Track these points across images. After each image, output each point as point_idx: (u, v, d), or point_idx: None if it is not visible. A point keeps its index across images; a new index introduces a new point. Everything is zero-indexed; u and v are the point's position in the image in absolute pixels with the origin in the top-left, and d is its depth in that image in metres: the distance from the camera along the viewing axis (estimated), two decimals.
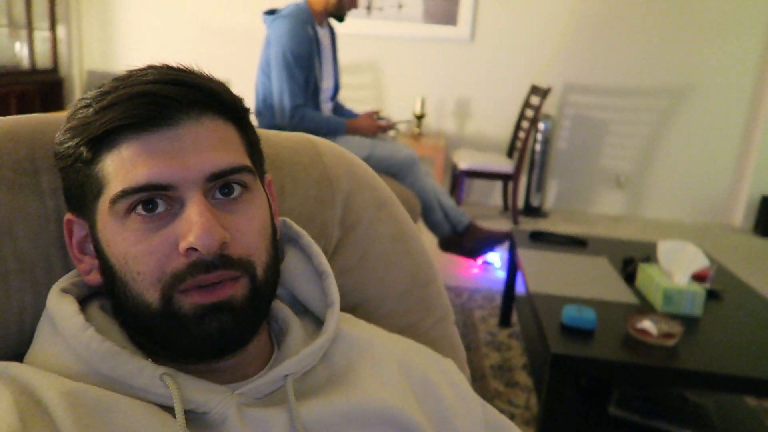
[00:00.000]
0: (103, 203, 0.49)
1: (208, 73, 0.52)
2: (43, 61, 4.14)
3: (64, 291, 0.51)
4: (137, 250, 0.47)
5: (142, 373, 0.47)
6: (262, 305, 0.52)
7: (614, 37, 3.96)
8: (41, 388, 0.44)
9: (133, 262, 0.47)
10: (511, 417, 1.77)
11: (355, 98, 3.98)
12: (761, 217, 3.92)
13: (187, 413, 0.47)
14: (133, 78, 0.49)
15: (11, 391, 0.44)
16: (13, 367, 0.47)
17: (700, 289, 1.60)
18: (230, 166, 0.49)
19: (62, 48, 4.29)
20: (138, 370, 0.47)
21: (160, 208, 0.47)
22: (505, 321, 2.34)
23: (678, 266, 1.66)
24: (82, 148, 0.49)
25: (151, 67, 0.50)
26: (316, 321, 0.60)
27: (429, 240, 2.78)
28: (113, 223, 0.48)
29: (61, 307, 0.49)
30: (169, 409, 0.47)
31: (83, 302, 0.52)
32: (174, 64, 0.51)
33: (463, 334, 2.25)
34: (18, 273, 0.53)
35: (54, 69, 4.19)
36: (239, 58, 3.83)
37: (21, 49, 4.02)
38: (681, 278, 1.63)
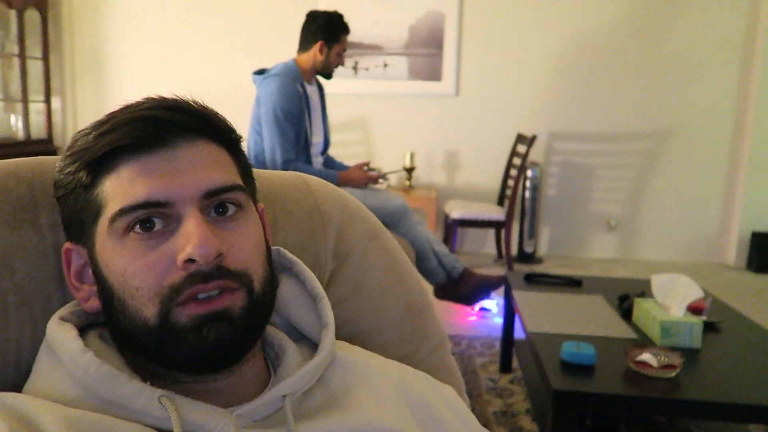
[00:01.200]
0: (102, 224, 0.50)
1: (202, 102, 0.55)
2: (38, 132, 4.22)
3: (63, 319, 0.52)
4: (135, 267, 0.48)
5: (141, 396, 0.47)
6: (259, 318, 0.52)
7: (595, 85, 4.09)
8: (39, 416, 0.44)
9: (131, 279, 0.48)
10: None
11: (346, 154, 4.05)
12: (753, 253, 3.95)
13: None
14: (130, 107, 0.52)
15: (7, 420, 0.44)
16: (9, 397, 0.47)
17: (697, 321, 1.60)
18: (225, 185, 0.51)
19: (57, 119, 4.38)
20: (136, 392, 0.47)
21: (158, 227, 0.49)
22: (505, 367, 2.31)
23: (673, 299, 1.66)
24: (81, 173, 0.51)
25: (147, 98, 0.53)
26: (311, 346, 0.61)
27: (425, 283, 2.77)
28: (112, 243, 0.49)
29: (60, 334, 0.50)
30: None
31: (81, 332, 0.53)
32: (170, 95, 0.54)
33: (464, 382, 2.21)
34: (16, 306, 0.54)
35: (49, 140, 4.27)
36: (233, 120, 3.91)
37: (16, 122, 4.11)
38: (677, 311, 1.63)
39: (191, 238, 0.47)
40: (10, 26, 4.03)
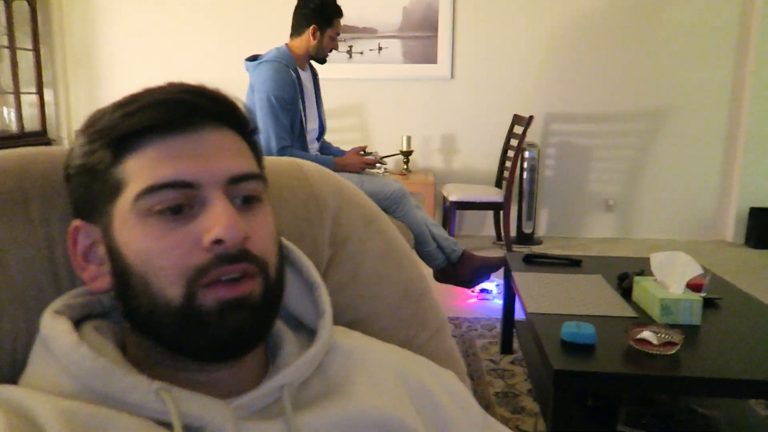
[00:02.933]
0: (122, 203, 0.50)
1: (225, 92, 0.55)
2: (32, 124, 4.19)
3: (58, 312, 0.51)
4: (160, 246, 0.48)
5: (137, 389, 0.47)
6: (274, 306, 0.53)
7: (590, 65, 4.06)
8: (35, 408, 0.44)
9: (156, 258, 0.48)
10: None
11: (342, 140, 4.01)
12: (751, 229, 3.95)
13: (184, 428, 0.47)
14: (156, 90, 0.52)
15: (4, 413, 0.43)
16: (5, 389, 0.46)
17: (696, 298, 1.60)
18: (250, 172, 0.52)
19: (50, 111, 4.35)
20: (133, 385, 0.47)
21: (185, 210, 0.49)
22: (506, 348, 2.32)
23: (672, 277, 1.66)
24: (104, 151, 0.51)
25: (170, 83, 0.53)
26: (309, 334, 0.60)
27: (424, 268, 2.77)
28: (134, 221, 0.49)
29: (54, 328, 0.50)
30: (165, 425, 0.47)
31: (77, 324, 0.52)
32: (194, 82, 0.54)
33: (466, 364, 2.22)
34: (10, 301, 0.54)
35: (43, 132, 4.24)
36: None
37: (9, 114, 4.07)
38: (676, 288, 1.63)
39: (220, 220, 0.48)
40: None
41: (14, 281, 0.54)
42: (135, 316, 0.50)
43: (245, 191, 0.52)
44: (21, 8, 4.03)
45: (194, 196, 0.49)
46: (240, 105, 0.56)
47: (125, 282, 0.50)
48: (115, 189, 0.50)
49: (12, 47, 3.95)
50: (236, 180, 0.51)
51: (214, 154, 0.50)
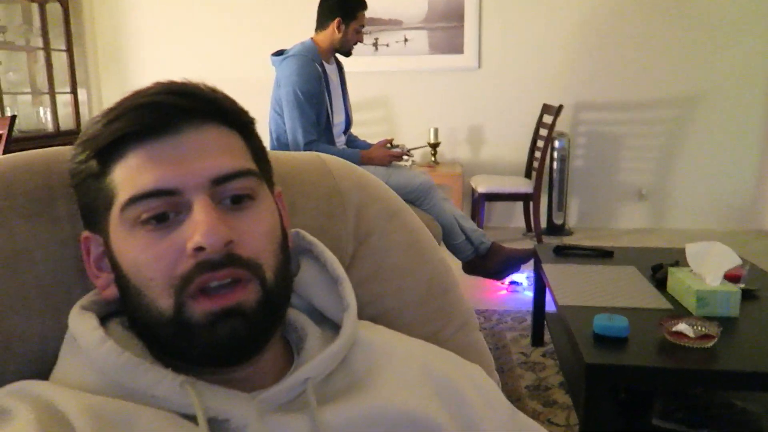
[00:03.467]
0: (114, 213, 0.50)
1: (212, 86, 0.53)
2: (66, 123, 4.29)
3: (84, 308, 0.52)
4: (147, 257, 0.48)
5: (162, 383, 0.47)
6: (274, 310, 0.51)
7: (620, 51, 3.97)
8: (62, 403, 0.45)
9: (144, 269, 0.48)
10: None
11: (369, 134, 4.01)
12: None
13: (208, 421, 0.47)
14: (139, 93, 0.51)
15: (34, 408, 0.44)
16: (35, 385, 0.47)
17: (734, 289, 1.55)
18: (235, 170, 0.50)
19: (84, 110, 4.45)
20: (158, 379, 0.47)
21: (170, 218, 0.48)
22: (537, 340, 2.29)
23: (709, 267, 1.61)
24: (92, 161, 0.51)
25: (156, 83, 0.52)
26: (334, 328, 0.60)
27: (453, 264, 2.76)
28: (123, 232, 0.49)
29: (80, 323, 0.50)
30: (190, 418, 0.47)
31: (104, 320, 0.53)
32: (179, 79, 0.53)
33: (496, 357, 2.20)
34: (38, 298, 0.54)
35: (77, 130, 4.33)
36: (255, 108, 3.91)
37: (45, 114, 4.18)
38: (713, 279, 1.59)
39: (199, 226, 0.46)
40: (33, 19, 4.08)
41: (42, 279, 0.55)
42: (137, 324, 0.51)
43: (233, 191, 0.50)
44: (54, 10, 4.12)
45: (178, 202, 0.48)
46: (226, 99, 0.53)
47: (125, 292, 0.50)
48: (108, 199, 0.50)
49: (47, 49, 4.05)
50: (221, 180, 0.49)
51: (195, 157, 0.49)
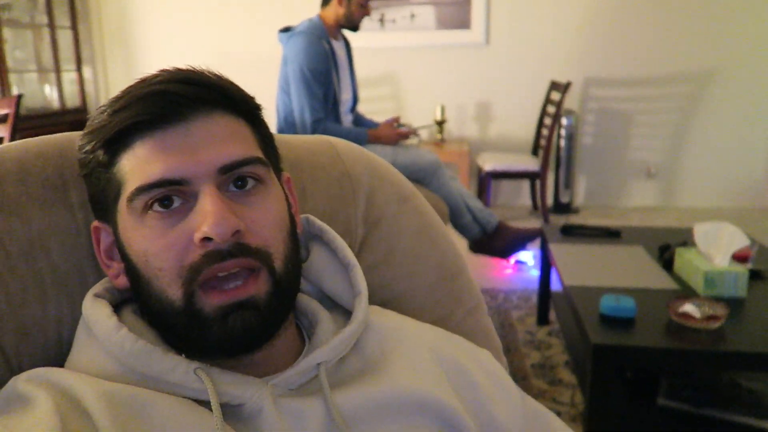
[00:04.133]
0: (122, 203, 0.50)
1: (218, 73, 0.53)
2: (72, 101, 4.28)
3: (98, 296, 0.53)
4: (156, 247, 0.48)
5: (176, 369, 0.48)
6: (285, 299, 0.51)
7: (631, 27, 3.90)
8: (79, 390, 0.45)
9: (153, 259, 0.48)
10: (557, 415, 1.72)
11: (375, 110, 4.00)
12: None
13: (223, 406, 0.48)
14: (145, 81, 0.51)
15: (52, 395, 0.45)
16: (52, 372, 0.48)
17: (742, 270, 1.55)
18: (242, 158, 0.50)
19: (89, 88, 4.44)
20: (172, 366, 0.48)
21: (176, 204, 0.48)
22: (543, 319, 2.31)
23: (717, 248, 1.61)
24: (99, 152, 0.51)
25: (162, 71, 0.52)
26: (345, 314, 0.60)
27: (459, 244, 2.76)
28: (132, 222, 0.49)
29: (94, 311, 0.51)
30: (205, 403, 0.48)
31: (117, 307, 0.53)
32: (184, 66, 0.53)
33: (502, 336, 2.22)
34: (54, 285, 0.55)
35: (83, 108, 4.33)
36: (261, 84, 3.89)
37: (51, 92, 4.17)
38: (721, 260, 1.58)
39: (207, 216, 0.46)
40: None
41: (57, 266, 0.55)
42: (149, 313, 0.51)
43: (241, 174, 0.50)
44: None
45: (186, 191, 0.48)
46: (233, 86, 0.53)
47: (135, 282, 0.51)
48: (116, 190, 0.50)
49: (52, 26, 4.03)
50: (228, 169, 0.49)
51: (202, 145, 0.49)
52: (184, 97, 0.49)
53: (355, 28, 2.60)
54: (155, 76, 0.51)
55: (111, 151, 0.50)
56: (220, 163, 0.49)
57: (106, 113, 0.50)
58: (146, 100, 0.48)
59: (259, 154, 0.53)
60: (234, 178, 0.50)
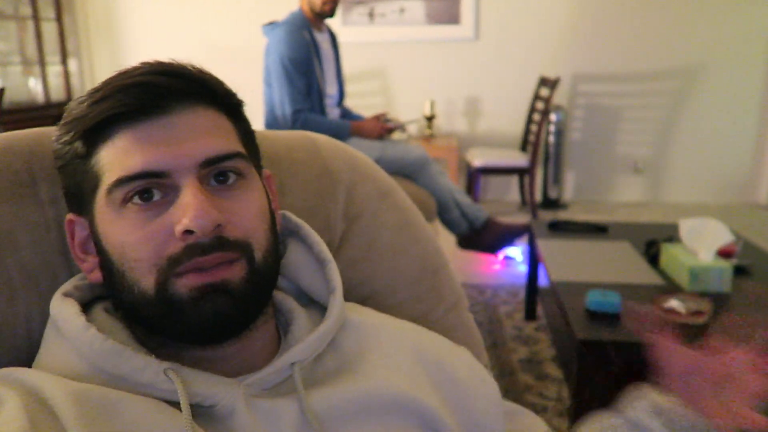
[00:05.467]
0: (100, 195, 0.49)
1: (200, 67, 0.52)
2: (57, 94, 4.23)
3: (66, 295, 0.52)
4: (134, 238, 0.47)
5: (146, 369, 0.47)
6: (261, 288, 0.51)
7: (619, 23, 3.91)
8: (48, 390, 0.44)
9: (130, 250, 0.47)
10: (544, 409, 1.74)
11: (364, 105, 3.99)
12: None
13: (194, 407, 0.47)
14: (126, 73, 0.50)
15: (19, 394, 0.44)
16: (19, 371, 0.47)
17: (726, 265, 1.55)
18: (224, 152, 0.49)
19: (75, 81, 4.38)
20: (142, 366, 0.47)
21: (156, 197, 0.48)
22: (530, 314, 2.31)
23: (702, 243, 1.62)
24: (77, 143, 0.50)
25: (144, 63, 0.51)
26: (322, 310, 0.60)
27: (447, 239, 2.76)
28: (110, 214, 0.48)
29: (62, 310, 0.50)
30: (176, 404, 0.47)
31: (87, 305, 0.52)
32: (167, 59, 0.52)
33: (489, 331, 2.22)
34: (23, 282, 0.54)
35: (68, 101, 4.26)
36: (248, 80, 3.86)
37: (35, 85, 4.12)
38: (706, 255, 1.59)
39: (188, 209, 0.46)
40: None
41: (26, 263, 0.54)
42: (122, 306, 0.50)
43: (222, 169, 0.50)
44: None
45: (166, 184, 0.47)
46: (215, 80, 0.53)
47: (109, 275, 0.50)
48: (93, 182, 0.49)
49: (36, 17, 3.97)
50: (210, 162, 0.49)
51: (184, 138, 0.48)
52: (167, 89, 0.48)
53: (323, 15, 2.52)
54: (137, 68, 0.50)
55: (89, 142, 0.49)
56: (202, 157, 0.48)
57: (85, 104, 0.49)
58: (127, 91, 0.48)
59: (241, 149, 0.52)
60: (215, 173, 0.49)
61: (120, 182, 0.47)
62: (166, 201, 0.48)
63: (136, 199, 0.47)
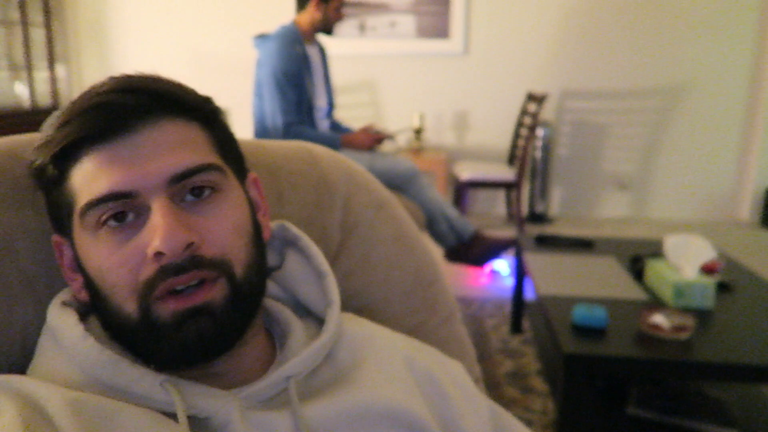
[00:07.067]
0: (76, 220, 0.49)
1: (167, 78, 0.51)
2: (44, 100, 4.19)
3: (65, 304, 0.52)
4: (110, 263, 0.47)
5: (143, 381, 0.47)
6: (245, 306, 0.50)
7: (606, 41, 3.98)
8: (44, 398, 0.44)
9: (108, 275, 0.47)
10: (529, 423, 1.74)
11: (353, 117, 4.01)
12: (767, 209, 3.90)
13: (190, 419, 0.47)
14: (90, 92, 0.49)
15: (15, 403, 0.44)
16: (16, 379, 0.47)
17: (710, 282, 1.58)
18: (193, 166, 0.48)
19: (62, 86, 4.35)
20: (138, 377, 0.47)
21: (129, 218, 0.47)
22: (516, 328, 2.32)
23: (686, 260, 1.64)
24: (48, 167, 0.49)
25: (109, 78, 0.50)
26: (318, 323, 0.60)
27: (435, 252, 2.78)
28: (87, 238, 0.48)
29: (61, 319, 0.50)
30: (172, 415, 0.47)
31: (84, 316, 0.52)
32: (133, 72, 0.51)
33: (475, 344, 2.23)
34: (20, 288, 0.54)
35: (54, 107, 4.24)
36: (238, 89, 3.87)
37: (22, 90, 4.08)
38: (690, 271, 1.62)
39: (157, 231, 0.45)
40: None
41: (25, 269, 0.54)
42: (108, 328, 0.50)
43: (193, 184, 0.48)
44: None
45: (136, 204, 0.47)
46: (183, 89, 0.51)
47: (95, 297, 0.49)
48: (68, 206, 0.49)
49: (24, 22, 3.94)
50: (179, 178, 0.47)
51: (150, 156, 0.47)
52: (129, 107, 0.47)
53: (329, 31, 2.60)
54: (101, 84, 0.49)
55: (61, 167, 0.49)
56: (169, 174, 0.47)
57: (53, 127, 0.49)
58: (89, 113, 0.47)
59: (213, 159, 0.51)
60: (190, 188, 0.48)
61: (90, 206, 0.47)
62: (139, 222, 0.47)
63: (111, 222, 0.47)
